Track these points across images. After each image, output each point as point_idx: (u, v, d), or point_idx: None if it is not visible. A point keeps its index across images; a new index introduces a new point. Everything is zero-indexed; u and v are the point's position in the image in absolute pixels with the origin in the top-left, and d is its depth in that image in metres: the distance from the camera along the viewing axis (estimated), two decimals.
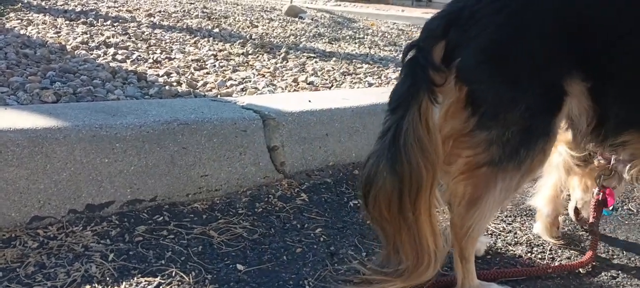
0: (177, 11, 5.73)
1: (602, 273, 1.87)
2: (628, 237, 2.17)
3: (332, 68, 3.96)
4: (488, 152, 1.42)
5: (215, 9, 6.41)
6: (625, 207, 2.47)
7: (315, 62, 4.13)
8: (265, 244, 1.86)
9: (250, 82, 3.21)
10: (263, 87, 3.10)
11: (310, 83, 3.39)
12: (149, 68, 3.26)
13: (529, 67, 1.39)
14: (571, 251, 2.02)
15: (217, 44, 4.25)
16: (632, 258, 1.98)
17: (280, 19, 6.35)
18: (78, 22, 4.37)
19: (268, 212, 2.09)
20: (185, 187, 2.08)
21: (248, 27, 5.46)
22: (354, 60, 4.42)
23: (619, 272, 1.89)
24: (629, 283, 1.82)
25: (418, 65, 1.42)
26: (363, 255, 1.83)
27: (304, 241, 1.90)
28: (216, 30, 4.93)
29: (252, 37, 4.80)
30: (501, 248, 1.99)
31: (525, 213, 2.31)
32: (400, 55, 1.53)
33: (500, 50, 1.39)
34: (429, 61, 1.40)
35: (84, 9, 5.07)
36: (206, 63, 3.57)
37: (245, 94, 2.97)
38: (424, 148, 1.42)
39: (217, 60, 3.70)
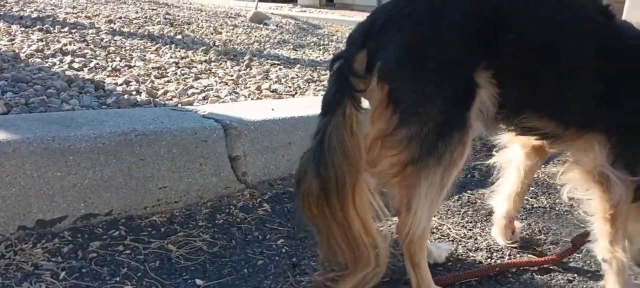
0: (139, 17, 5.62)
1: (557, 275, 1.91)
2: (572, 232, 2.22)
3: (296, 75, 3.95)
4: (408, 149, 1.48)
5: (178, 15, 6.32)
6: (580, 210, 2.53)
7: (279, 69, 4.11)
8: (225, 257, 1.82)
9: (212, 90, 3.17)
10: (225, 95, 3.07)
11: (274, 91, 3.37)
12: (108, 76, 3.18)
13: (442, 62, 1.47)
14: (529, 256, 2.05)
15: (179, 51, 4.18)
16: (588, 261, 2.02)
17: (244, 26, 6.31)
18: (34, 28, 4.23)
19: (229, 223, 2.06)
20: (143, 199, 2.03)
21: (212, 33, 5.40)
22: (318, 67, 4.42)
23: (574, 272, 1.94)
24: (582, 285, 1.86)
25: (342, 73, 1.49)
26: (325, 265, 1.82)
27: (265, 253, 1.88)
28: (179, 36, 4.85)
29: (216, 44, 4.75)
30: (462, 255, 2.01)
31: (485, 218, 2.34)
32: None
33: (416, 48, 1.47)
34: (351, 69, 1.48)
35: (40, 15, 4.91)
36: (167, 71, 3.51)
37: (207, 102, 2.92)
38: (346, 151, 1.48)
39: (179, 67, 3.64)
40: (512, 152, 2.02)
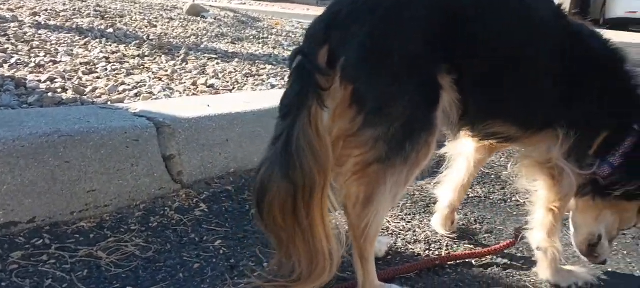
0: (67, 10, 5.33)
1: (494, 266, 1.96)
2: (505, 221, 2.30)
3: (234, 69, 3.87)
4: (375, 149, 1.45)
5: (110, 8, 6.05)
6: (513, 199, 2.62)
7: (217, 63, 4.01)
8: (160, 262, 1.75)
9: (145, 86, 3.04)
10: (159, 92, 2.95)
11: (211, 86, 3.28)
12: (30, 73, 2.98)
13: (407, 62, 1.45)
14: (466, 245, 2.10)
15: (110, 46, 3.99)
16: (521, 248, 2.09)
17: (181, 18, 6.12)
18: None
19: (164, 226, 1.98)
20: (69, 205, 1.91)
21: (146, 26, 5.20)
22: (257, 61, 4.35)
23: (509, 261, 2.00)
24: (517, 273, 1.93)
25: (305, 71, 1.42)
26: (264, 265, 1.78)
27: (202, 255, 1.82)
28: (110, 30, 4.64)
29: (150, 38, 4.57)
30: (401, 248, 2.03)
31: (424, 210, 2.38)
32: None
33: (380, 46, 1.43)
34: (315, 66, 1.41)
35: None
36: (97, 66, 3.34)
37: (139, 99, 2.79)
38: (315, 153, 1.42)
39: (110, 63, 3.47)
40: (463, 144, 2.05)
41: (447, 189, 2.14)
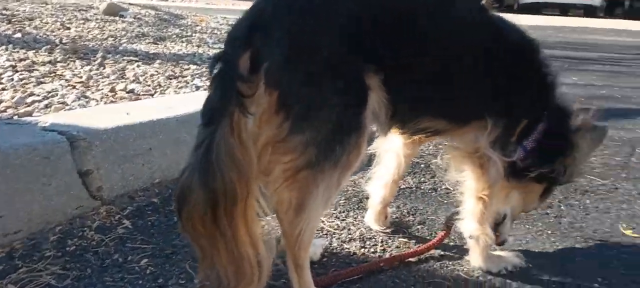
0: None
1: (429, 259, 1.97)
2: (437, 211, 2.33)
3: (156, 72, 3.69)
4: (305, 154, 1.41)
5: (18, 10, 5.62)
6: (443, 187, 2.67)
7: (137, 66, 3.81)
8: None
9: (57, 96, 2.82)
10: (73, 101, 2.75)
11: (131, 91, 3.10)
12: None
13: (333, 63, 1.42)
14: (400, 240, 2.10)
15: (17, 52, 3.70)
16: (452, 238, 2.12)
17: (97, 19, 5.79)
18: None
19: (83, 249, 1.84)
20: None
21: (58, 29, 4.87)
22: (180, 62, 4.18)
23: (442, 252, 2.02)
24: (451, 263, 1.95)
25: (226, 77, 1.35)
26: (195, 282, 1.69)
27: (127, 278, 1.70)
28: (17, 35, 4.30)
29: (63, 41, 4.28)
30: (336, 248, 2.00)
31: (357, 206, 2.37)
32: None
33: (303, 47, 1.39)
34: (236, 72, 1.35)
35: None
36: (2, 77, 3.07)
37: (50, 111, 2.59)
38: (236, 162, 1.36)
39: (17, 72, 3.21)
40: (392, 140, 2.05)
41: (378, 185, 2.14)
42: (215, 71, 1.38)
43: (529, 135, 1.75)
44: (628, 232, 2.26)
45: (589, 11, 18.26)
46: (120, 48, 4.45)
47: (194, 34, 5.82)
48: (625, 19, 16.85)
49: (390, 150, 2.07)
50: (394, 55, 1.50)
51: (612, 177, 2.93)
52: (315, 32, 1.41)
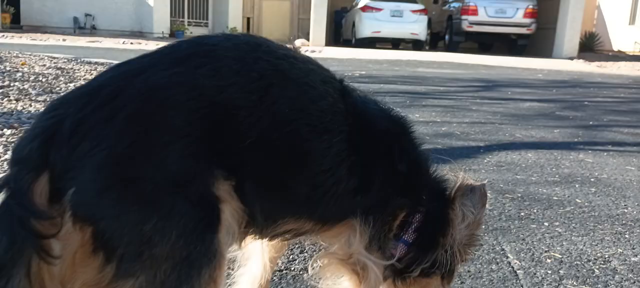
0: None
1: None
2: None
3: None
4: None
5: None
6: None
7: None
8: None
9: None
10: None
11: None
12: None
13: (169, 181, 1.10)
14: None
15: None
16: None
17: None
18: None
19: None
20: None
21: None
22: None
23: None
24: None
25: (15, 216, 0.98)
26: None
27: None
28: None
29: None
30: None
31: None
32: None
33: (127, 167, 1.07)
34: (30, 208, 0.98)
35: None
36: None
37: None
38: None
39: None
40: (255, 243, 1.73)
41: None
42: None
43: (409, 227, 1.58)
44: None
45: (417, 45, 20.15)
46: None
47: (13, 84, 5.01)
48: (445, 51, 18.91)
49: (253, 253, 1.78)
50: (246, 155, 1.24)
51: None
52: (142, 144, 1.09)
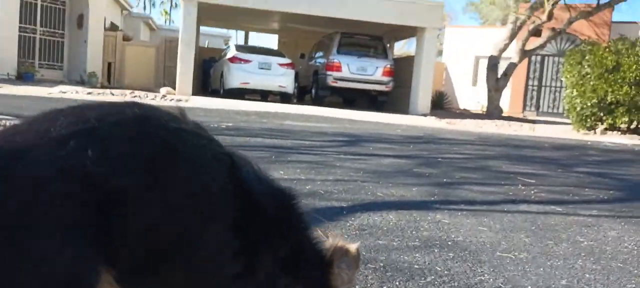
0: None
1: None
2: None
3: None
4: None
5: None
6: None
7: None
8: None
9: None
10: None
11: None
12: None
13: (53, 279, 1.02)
14: None
15: None
16: None
17: None
18: None
19: None
20: None
21: None
22: None
23: None
24: None
25: None
26: None
27: None
28: None
29: None
30: None
31: None
32: None
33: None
34: None
35: None
36: None
37: None
38: None
39: None
40: None
41: None
42: None
43: None
44: None
45: (285, 97, 20.45)
46: None
47: None
48: (312, 105, 19.40)
49: None
50: (129, 246, 1.16)
51: None
52: (17, 244, 1.00)
